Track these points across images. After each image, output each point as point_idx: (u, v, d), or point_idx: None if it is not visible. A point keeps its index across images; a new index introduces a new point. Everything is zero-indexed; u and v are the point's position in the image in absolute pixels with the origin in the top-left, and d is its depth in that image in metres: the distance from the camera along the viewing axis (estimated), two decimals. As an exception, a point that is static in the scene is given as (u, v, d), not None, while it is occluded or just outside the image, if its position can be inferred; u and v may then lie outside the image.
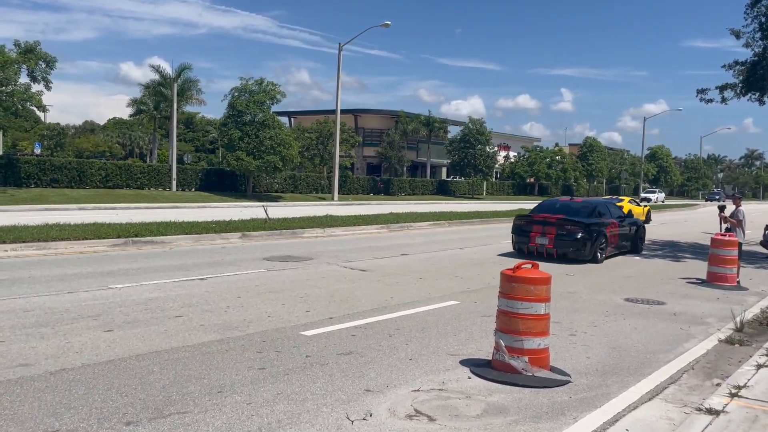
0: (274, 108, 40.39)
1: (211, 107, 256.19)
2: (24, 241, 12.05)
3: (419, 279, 10.84)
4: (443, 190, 58.80)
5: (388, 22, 38.93)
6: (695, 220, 36.83)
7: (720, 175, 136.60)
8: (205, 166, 48.72)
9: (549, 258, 13.99)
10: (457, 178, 63.22)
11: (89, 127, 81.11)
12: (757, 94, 20.12)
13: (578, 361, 6.26)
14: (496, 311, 5.75)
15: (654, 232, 24.07)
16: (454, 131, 62.59)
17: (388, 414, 4.66)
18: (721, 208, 13.26)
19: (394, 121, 61.96)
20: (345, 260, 12.67)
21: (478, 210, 32.36)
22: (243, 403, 4.74)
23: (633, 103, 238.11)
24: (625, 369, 6.09)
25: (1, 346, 5.90)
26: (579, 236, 13.88)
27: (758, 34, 19.11)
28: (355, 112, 62.65)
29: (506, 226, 24.62)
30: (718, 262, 11.68)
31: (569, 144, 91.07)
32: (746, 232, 13.48)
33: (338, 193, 42.45)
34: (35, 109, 37.19)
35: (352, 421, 4.49)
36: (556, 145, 75.23)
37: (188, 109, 56.59)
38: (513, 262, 6.38)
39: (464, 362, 6.02)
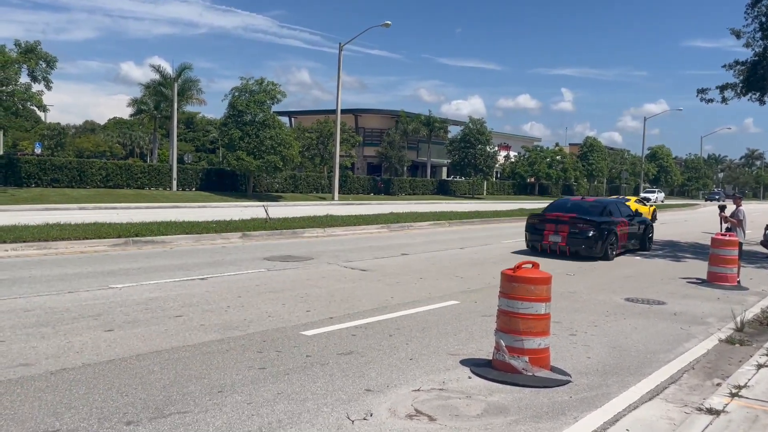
0: (275, 108, 40.45)
1: (212, 107, 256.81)
2: (24, 241, 12.06)
3: (419, 279, 10.84)
4: (443, 190, 58.80)
5: (389, 22, 38.93)
6: (695, 219, 36.82)
7: (720, 175, 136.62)
8: (205, 166, 48.78)
9: (562, 255, 14.56)
10: (458, 178, 63.22)
11: (90, 127, 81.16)
12: (758, 94, 20.12)
13: (579, 360, 6.27)
14: (497, 311, 5.75)
15: (654, 231, 24.02)
16: (454, 131, 62.63)
17: (388, 414, 4.66)
18: (722, 208, 13.26)
19: (394, 120, 61.96)
20: (345, 260, 12.68)
21: (478, 210, 32.36)
22: (243, 402, 4.74)
23: (633, 102, 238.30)
24: (626, 369, 6.09)
25: (1, 345, 5.90)
26: (591, 234, 14.42)
27: (759, 34, 19.11)
28: (356, 112, 62.67)
29: (507, 226, 24.70)
30: (719, 261, 11.68)
31: (570, 144, 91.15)
32: (747, 231, 13.49)
33: (338, 193, 42.45)
34: (36, 108, 37.25)
35: (353, 421, 4.49)
36: (557, 144, 75.29)
37: (189, 108, 56.64)
38: (513, 261, 6.38)
39: (465, 362, 6.02)
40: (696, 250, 18.08)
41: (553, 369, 5.71)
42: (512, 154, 72.07)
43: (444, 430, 4.43)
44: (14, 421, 4.24)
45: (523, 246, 15.94)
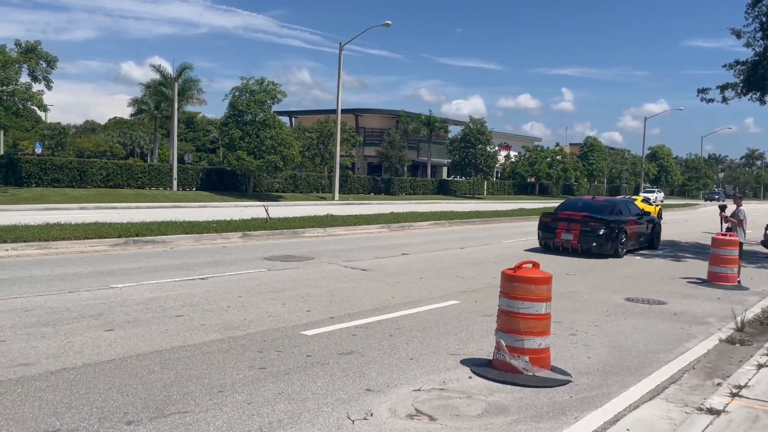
0: (275, 108, 40.48)
1: (212, 107, 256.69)
2: (25, 241, 12.06)
3: (420, 278, 10.84)
4: (444, 190, 58.79)
5: (389, 22, 38.92)
6: (696, 219, 36.81)
7: (721, 175, 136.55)
8: (205, 166, 48.79)
9: (574, 253, 15.07)
10: (458, 178, 63.21)
11: (90, 127, 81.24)
12: (758, 94, 20.12)
13: (579, 360, 6.26)
14: (497, 311, 5.75)
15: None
16: (454, 131, 62.61)
17: (388, 413, 4.66)
18: (722, 208, 13.26)
19: (394, 120, 61.95)
20: (346, 260, 12.68)
21: (478, 210, 32.35)
22: (244, 402, 4.74)
23: (634, 102, 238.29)
24: (626, 369, 6.09)
25: (2, 345, 5.90)
26: (602, 232, 14.97)
27: (759, 34, 19.11)
28: (356, 112, 62.65)
29: (507, 226, 24.70)
30: (719, 261, 11.67)
31: (570, 144, 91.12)
32: (747, 231, 13.49)
33: (339, 193, 42.45)
34: (36, 108, 37.24)
35: (353, 421, 4.49)
36: (557, 144, 75.29)
37: (189, 108, 56.72)
38: (514, 261, 6.38)
39: (465, 362, 6.02)
40: (696, 250, 18.08)
41: (554, 369, 5.71)
42: (512, 154, 72.05)
43: (444, 429, 4.43)
44: (15, 420, 4.24)
45: (525, 245, 15.98)
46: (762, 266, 14.97)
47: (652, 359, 6.46)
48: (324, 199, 41.54)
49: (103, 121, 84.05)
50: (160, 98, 44.97)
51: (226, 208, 29.39)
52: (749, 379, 5.52)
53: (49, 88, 30.70)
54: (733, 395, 5.09)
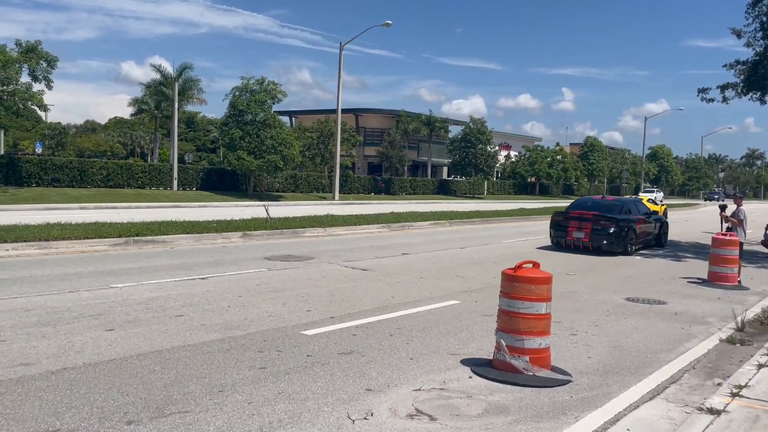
0: (275, 107, 40.48)
1: (212, 107, 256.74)
2: (25, 241, 12.06)
3: (420, 278, 10.84)
4: (444, 190, 58.78)
5: (389, 22, 38.91)
6: (696, 219, 36.81)
7: (721, 175, 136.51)
8: (206, 166, 48.78)
9: (585, 250, 15.66)
10: (458, 178, 63.19)
11: (90, 127, 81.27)
12: (759, 94, 20.12)
13: (579, 360, 6.26)
14: (497, 311, 5.75)
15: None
16: (455, 131, 62.59)
17: (389, 413, 4.66)
18: (723, 208, 13.26)
19: (395, 120, 61.93)
20: (346, 259, 12.68)
21: (479, 209, 32.35)
22: (244, 402, 4.74)
23: (634, 102, 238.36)
24: (626, 368, 6.09)
25: (2, 345, 5.90)
26: (612, 230, 15.50)
27: (759, 34, 19.12)
28: (356, 112, 62.63)
29: (507, 226, 24.70)
30: (719, 261, 11.67)
31: (570, 143, 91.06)
32: (747, 231, 13.49)
33: (339, 193, 42.44)
34: (36, 108, 37.24)
35: (353, 421, 4.49)
36: (557, 144, 75.25)
37: (189, 108, 56.66)
38: (514, 261, 6.38)
39: (465, 362, 6.02)
40: (696, 250, 18.07)
41: (554, 369, 5.71)
42: (513, 153, 71.99)
43: (445, 429, 4.43)
44: (15, 420, 4.25)
45: (525, 245, 16.01)
46: (762, 266, 14.97)
47: (652, 359, 6.46)
48: (324, 198, 41.54)
49: (103, 120, 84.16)
50: (161, 98, 44.96)
51: (226, 207, 29.39)
52: (749, 379, 5.52)
53: (49, 87, 30.73)
54: (734, 395, 5.09)
